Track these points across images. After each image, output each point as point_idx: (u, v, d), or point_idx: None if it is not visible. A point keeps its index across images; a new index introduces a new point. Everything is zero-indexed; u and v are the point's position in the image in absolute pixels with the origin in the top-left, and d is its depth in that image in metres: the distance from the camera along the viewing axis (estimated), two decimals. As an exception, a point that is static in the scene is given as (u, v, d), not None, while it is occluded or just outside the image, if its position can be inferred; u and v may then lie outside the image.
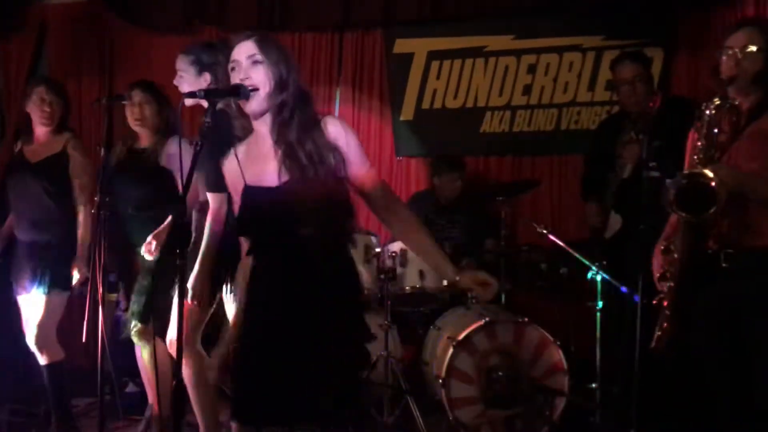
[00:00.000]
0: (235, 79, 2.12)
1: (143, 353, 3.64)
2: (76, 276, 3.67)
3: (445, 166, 4.71)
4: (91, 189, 3.71)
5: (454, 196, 4.71)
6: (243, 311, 2.21)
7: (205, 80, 3.13)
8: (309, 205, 2.06)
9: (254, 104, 2.13)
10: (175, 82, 3.20)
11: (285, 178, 2.11)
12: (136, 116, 3.65)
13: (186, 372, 3.23)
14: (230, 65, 2.16)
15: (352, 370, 2.17)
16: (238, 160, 2.17)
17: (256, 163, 2.16)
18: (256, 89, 2.10)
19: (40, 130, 3.81)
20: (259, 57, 2.11)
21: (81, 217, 3.70)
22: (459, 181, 4.69)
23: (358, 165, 2.19)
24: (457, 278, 2.17)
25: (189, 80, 3.14)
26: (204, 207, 3.01)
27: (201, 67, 3.13)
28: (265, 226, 2.14)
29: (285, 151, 2.11)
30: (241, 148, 2.22)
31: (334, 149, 2.14)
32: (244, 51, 2.13)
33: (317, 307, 2.09)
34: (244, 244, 2.24)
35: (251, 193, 2.14)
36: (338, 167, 2.13)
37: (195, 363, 3.13)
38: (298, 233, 2.07)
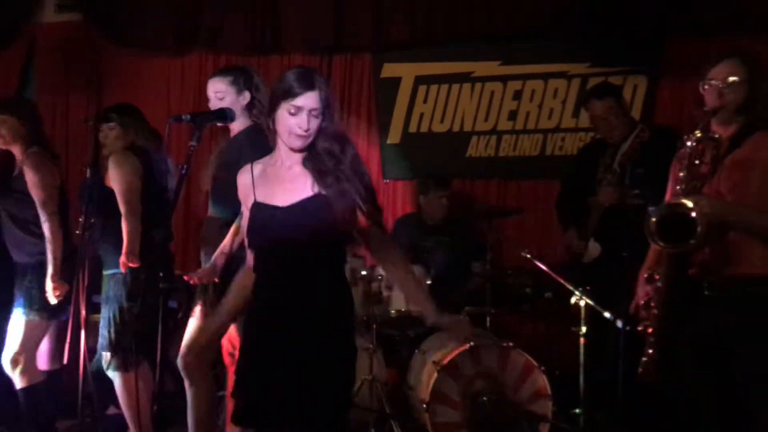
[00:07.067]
0: (290, 119, 2.24)
1: (115, 383, 3.54)
2: (51, 292, 3.53)
3: (432, 184, 4.74)
4: (52, 202, 3.60)
5: (440, 215, 4.72)
6: (246, 323, 2.42)
7: (245, 98, 3.16)
8: (319, 228, 2.23)
9: (302, 143, 2.29)
10: (211, 106, 3.18)
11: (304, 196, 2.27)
12: (101, 141, 3.66)
13: (197, 394, 3.23)
14: (290, 107, 2.24)
15: (341, 379, 2.31)
16: (253, 176, 2.35)
17: (270, 183, 2.33)
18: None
19: (13, 150, 3.73)
20: (319, 113, 2.27)
21: (47, 232, 3.56)
22: (445, 199, 4.72)
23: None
24: (438, 319, 2.39)
25: (230, 100, 3.15)
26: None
27: (240, 87, 3.16)
28: (272, 242, 2.28)
29: (325, 182, 2.27)
30: (258, 166, 2.38)
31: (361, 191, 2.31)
32: (310, 103, 2.26)
33: (311, 320, 2.26)
34: (249, 257, 2.39)
35: (262, 209, 2.30)
36: (356, 205, 2.31)
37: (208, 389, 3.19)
38: (301, 252, 2.25)
